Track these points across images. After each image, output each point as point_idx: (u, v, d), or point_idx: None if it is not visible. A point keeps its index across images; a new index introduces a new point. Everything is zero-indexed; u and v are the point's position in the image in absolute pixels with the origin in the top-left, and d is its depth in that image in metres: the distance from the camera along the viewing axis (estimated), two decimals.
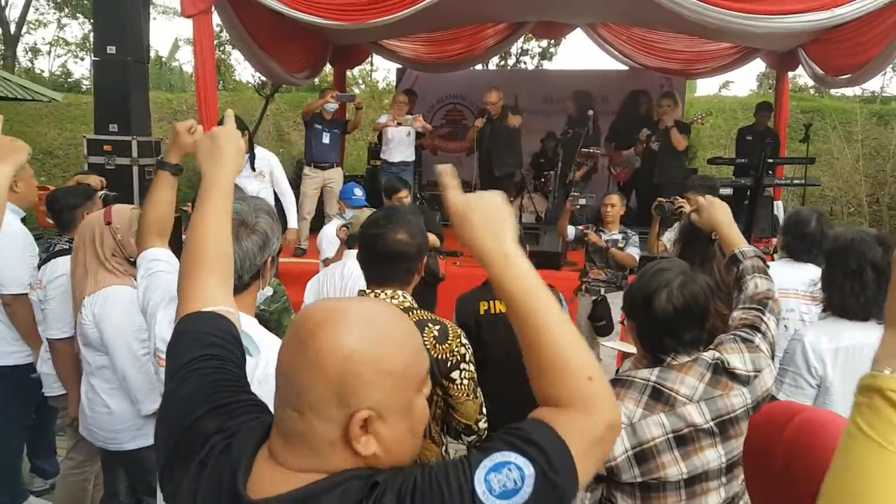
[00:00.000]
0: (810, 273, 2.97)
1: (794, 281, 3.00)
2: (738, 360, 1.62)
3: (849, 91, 16.35)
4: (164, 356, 1.86)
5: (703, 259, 2.49)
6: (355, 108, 6.99)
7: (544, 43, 16.67)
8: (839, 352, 2.13)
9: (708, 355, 1.63)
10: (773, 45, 8.22)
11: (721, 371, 1.60)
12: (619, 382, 1.63)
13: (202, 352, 1.07)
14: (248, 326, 1.53)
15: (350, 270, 3.22)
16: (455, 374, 1.93)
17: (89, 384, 2.68)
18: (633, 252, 4.77)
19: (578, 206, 5.32)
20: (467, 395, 1.95)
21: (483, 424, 2.00)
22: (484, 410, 2.01)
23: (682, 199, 4.20)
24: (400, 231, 1.95)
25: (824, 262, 2.31)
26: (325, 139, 6.74)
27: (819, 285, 2.96)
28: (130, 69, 5.58)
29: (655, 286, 1.63)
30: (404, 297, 1.97)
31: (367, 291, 1.99)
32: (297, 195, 6.22)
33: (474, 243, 1.00)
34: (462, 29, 9.31)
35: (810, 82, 17.70)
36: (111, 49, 5.52)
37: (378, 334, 0.86)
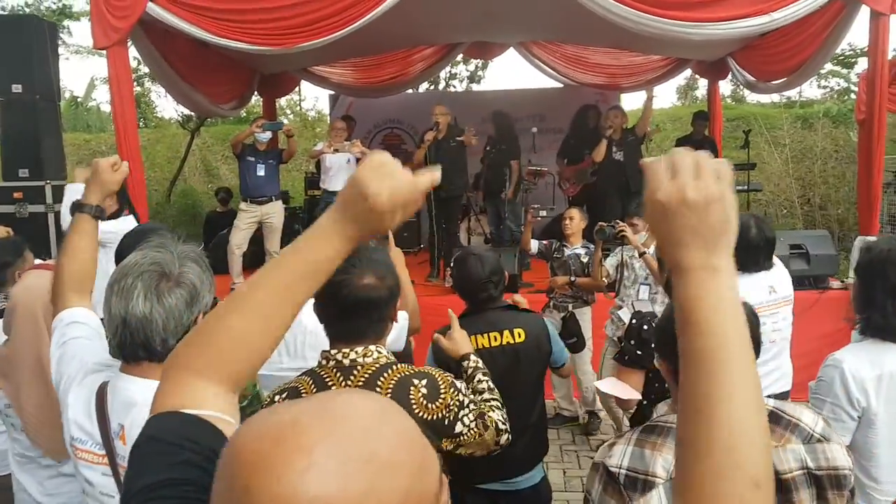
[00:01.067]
0: (765, 280, 2.85)
1: (757, 293, 2.83)
2: (807, 416, 1.38)
3: (766, 98, 17.02)
4: (80, 445, 1.53)
5: None
6: (286, 136, 6.64)
7: (472, 66, 16.78)
8: (883, 379, 1.91)
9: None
10: (704, 55, 8.35)
11: (777, 419, 1.35)
12: (655, 430, 1.35)
13: (167, 475, 0.77)
14: None
15: (301, 326, 2.32)
16: (459, 427, 1.65)
17: None
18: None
19: (539, 218, 5.25)
20: (479, 434, 1.70)
21: (504, 439, 1.78)
22: (501, 426, 1.78)
23: (622, 223, 4.15)
24: (366, 274, 1.59)
25: (857, 277, 2.12)
26: (260, 171, 6.37)
27: (780, 293, 2.87)
28: (40, 109, 5.16)
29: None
30: (379, 353, 1.64)
31: (332, 352, 1.64)
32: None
33: (678, 242, 0.74)
34: (394, 53, 9.13)
35: (727, 91, 18.41)
36: (17, 88, 5.07)
37: (358, 468, 0.53)
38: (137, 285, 1.31)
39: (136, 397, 1.33)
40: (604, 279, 4.43)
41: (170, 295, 1.33)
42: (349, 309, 1.59)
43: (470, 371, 2.01)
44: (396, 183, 0.92)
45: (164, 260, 1.35)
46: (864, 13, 5.40)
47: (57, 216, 4.93)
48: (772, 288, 2.84)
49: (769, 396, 2.72)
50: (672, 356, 1.41)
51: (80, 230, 1.61)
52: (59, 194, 5.05)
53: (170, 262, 1.36)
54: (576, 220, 4.83)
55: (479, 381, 1.96)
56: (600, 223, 4.30)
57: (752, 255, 2.82)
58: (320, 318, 1.65)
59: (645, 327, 2.19)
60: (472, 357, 2.06)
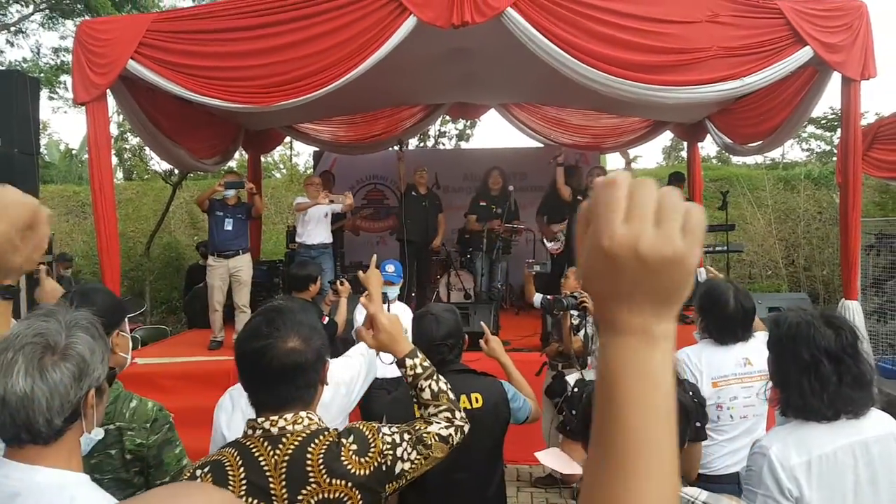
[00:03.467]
0: (740, 352, 2.77)
1: (729, 365, 2.76)
2: None
3: (750, 160, 17.32)
4: None
5: None
6: (249, 193, 6.64)
7: (461, 125, 17.10)
8: (812, 464, 1.78)
9: None
10: (681, 118, 8.49)
11: None
12: None
13: None
14: (71, 487, 1.14)
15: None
16: (400, 467, 1.59)
17: None
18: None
19: (534, 272, 5.16)
20: (425, 458, 1.64)
21: (458, 438, 1.73)
22: (445, 433, 1.70)
23: (585, 293, 4.03)
24: (290, 337, 1.53)
25: (770, 353, 1.99)
26: (228, 225, 6.35)
27: (755, 366, 2.79)
28: (16, 161, 5.14)
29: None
30: (310, 419, 1.56)
31: (259, 421, 1.55)
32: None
33: (615, 304, 0.60)
34: (379, 111, 9.27)
35: (713, 152, 18.74)
36: None
37: None
38: (18, 360, 1.20)
39: (19, 486, 1.21)
40: (577, 349, 4.20)
41: (54, 370, 1.22)
42: (274, 376, 1.52)
43: (410, 380, 1.78)
44: None
45: (48, 330, 1.24)
46: (837, 79, 5.53)
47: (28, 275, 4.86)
48: (746, 360, 2.75)
49: (736, 473, 2.64)
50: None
51: None
52: None
53: (56, 332, 1.25)
54: (570, 280, 4.70)
55: (423, 390, 1.77)
56: (564, 292, 4.20)
57: (729, 328, 2.76)
58: (244, 385, 1.58)
59: (586, 396, 2.13)
60: (410, 360, 1.79)
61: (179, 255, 12.51)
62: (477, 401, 2.45)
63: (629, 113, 8.74)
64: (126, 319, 2.36)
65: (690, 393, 2.25)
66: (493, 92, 8.76)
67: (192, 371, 5.52)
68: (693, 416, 2.17)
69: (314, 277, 4.55)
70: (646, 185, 0.59)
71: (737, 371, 2.75)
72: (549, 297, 4.86)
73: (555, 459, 1.89)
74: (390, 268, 4.60)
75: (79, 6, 13.64)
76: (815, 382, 1.80)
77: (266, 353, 1.51)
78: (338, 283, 4.76)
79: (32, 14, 15.84)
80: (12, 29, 16.02)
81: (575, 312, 4.00)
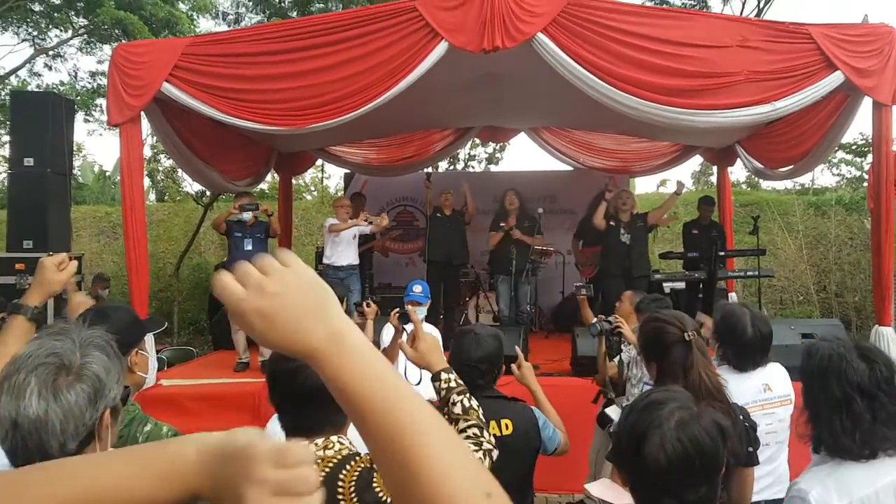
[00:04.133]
0: (759, 378, 2.68)
1: (749, 392, 2.65)
2: None
3: (779, 185, 17.11)
4: None
5: (685, 370, 2.16)
6: (266, 215, 6.69)
7: (490, 148, 17.17)
8: None
9: None
10: (711, 142, 8.42)
11: None
12: None
13: None
14: None
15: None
16: None
17: None
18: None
19: (583, 296, 5.07)
20: None
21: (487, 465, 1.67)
22: (478, 452, 1.70)
23: (621, 318, 3.91)
24: None
25: (802, 384, 1.90)
26: (248, 245, 6.40)
27: (776, 391, 2.70)
28: (49, 181, 5.28)
29: (644, 427, 1.27)
30: (341, 443, 1.54)
31: None
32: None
33: (294, 339, 0.70)
34: (410, 134, 9.34)
35: (742, 177, 18.55)
36: (29, 161, 5.19)
37: None
38: (31, 381, 1.14)
39: None
40: (613, 376, 3.99)
41: (69, 391, 1.16)
42: (306, 398, 1.50)
43: (443, 394, 1.79)
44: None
45: (62, 349, 1.19)
46: (867, 103, 5.45)
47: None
48: (766, 386, 2.68)
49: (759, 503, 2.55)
50: (622, 465, 1.37)
51: (12, 334, 1.46)
52: None
53: (70, 351, 1.20)
54: (624, 304, 4.48)
55: (454, 404, 1.76)
56: (599, 315, 4.10)
57: (748, 354, 2.68)
58: (275, 407, 1.56)
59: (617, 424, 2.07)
60: (445, 375, 1.82)
61: (209, 276, 12.63)
62: (507, 427, 2.41)
63: (659, 137, 8.69)
64: (150, 337, 2.33)
65: (741, 416, 2.19)
66: (522, 116, 8.79)
67: (218, 393, 5.51)
68: (745, 440, 2.11)
69: (340, 298, 4.55)
70: (239, 266, 0.74)
71: (757, 398, 2.66)
72: (606, 320, 4.68)
73: (606, 490, 1.82)
74: (417, 288, 4.58)
75: (116, 31, 13.99)
76: (847, 420, 1.70)
77: (298, 375, 1.49)
78: (364, 304, 4.75)
79: (71, 39, 16.32)
80: (51, 53, 16.52)
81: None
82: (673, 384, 2.13)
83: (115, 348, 1.28)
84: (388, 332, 4.14)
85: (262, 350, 6.29)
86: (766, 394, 2.67)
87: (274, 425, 2.37)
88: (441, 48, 5.18)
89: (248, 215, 6.45)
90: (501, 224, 7.27)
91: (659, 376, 2.25)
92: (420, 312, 4.48)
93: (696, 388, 2.06)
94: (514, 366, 2.73)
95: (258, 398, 5.26)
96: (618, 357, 3.95)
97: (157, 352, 6.51)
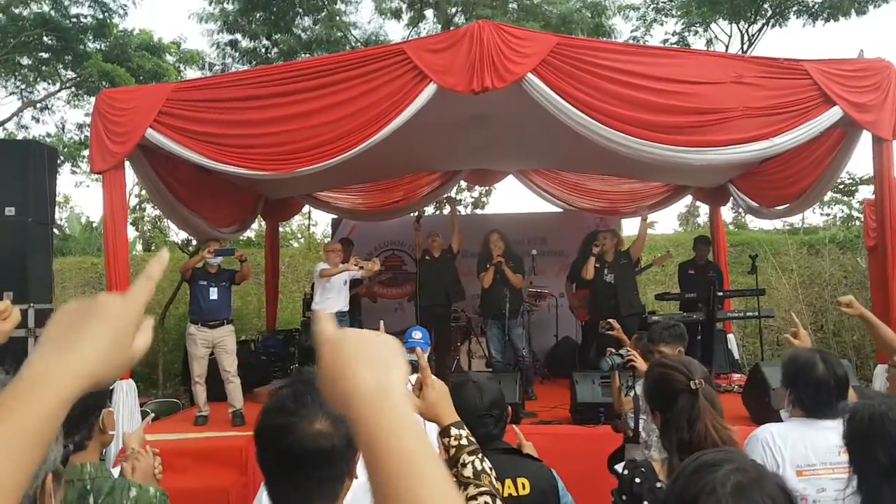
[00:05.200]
0: (834, 437, 2.26)
1: (819, 451, 2.36)
2: None
3: (768, 225, 17.16)
4: None
5: (690, 421, 1.98)
6: (239, 261, 6.52)
7: (476, 193, 17.17)
8: None
9: None
10: (703, 182, 8.37)
11: None
12: None
13: None
14: None
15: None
16: None
17: None
18: None
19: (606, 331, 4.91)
20: None
21: None
22: None
23: (633, 351, 3.79)
24: (318, 417, 1.29)
25: (847, 449, 1.75)
26: (213, 294, 6.20)
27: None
28: (30, 231, 5.08)
29: (695, 493, 1.09)
30: None
31: None
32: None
33: (345, 373, 0.74)
34: (397, 179, 9.25)
35: (728, 218, 18.62)
36: (10, 210, 5.02)
37: None
38: None
39: None
40: (628, 411, 3.91)
41: None
42: (295, 462, 1.29)
43: (452, 452, 1.59)
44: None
45: None
46: (865, 140, 5.40)
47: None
48: (841, 448, 2.39)
49: None
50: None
51: None
52: (42, 318, 4.87)
53: None
54: (666, 353, 4.36)
55: (465, 465, 1.56)
56: (609, 349, 3.95)
57: (822, 395, 2.41)
58: (262, 469, 1.35)
59: (637, 480, 1.88)
60: (455, 430, 1.61)
61: None
62: (524, 487, 2.19)
63: (650, 177, 8.64)
64: (132, 394, 2.18)
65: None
66: (511, 159, 8.73)
67: (204, 448, 5.26)
68: None
69: None
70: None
71: (829, 460, 2.36)
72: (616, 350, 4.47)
73: None
74: (417, 334, 4.41)
75: (104, 83, 14.00)
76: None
77: (288, 433, 1.28)
78: None
79: (59, 91, 16.35)
80: (38, 106, 16.51)
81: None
82: (678, 436, 1.96)
83: None
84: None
85: (230, 400, 6.07)
86: (840, 457, 2.31)
87: (263, 496, 2.16)
88: (430, 90, 5.11)
89: (219, 259, 6.29)
90: (489, 266, 7.10)
91: (664, 427, 2.06)
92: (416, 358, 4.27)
93: (703, 440, 1.90)
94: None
95: (246, 453, 5.02)
96: (633, 392, 3.78)
97: (142, 405, 6.24)
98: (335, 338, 0.79)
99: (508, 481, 2.16)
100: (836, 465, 2.31)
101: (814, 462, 2.35)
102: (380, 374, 0.73)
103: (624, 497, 1.96)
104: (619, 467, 2.85)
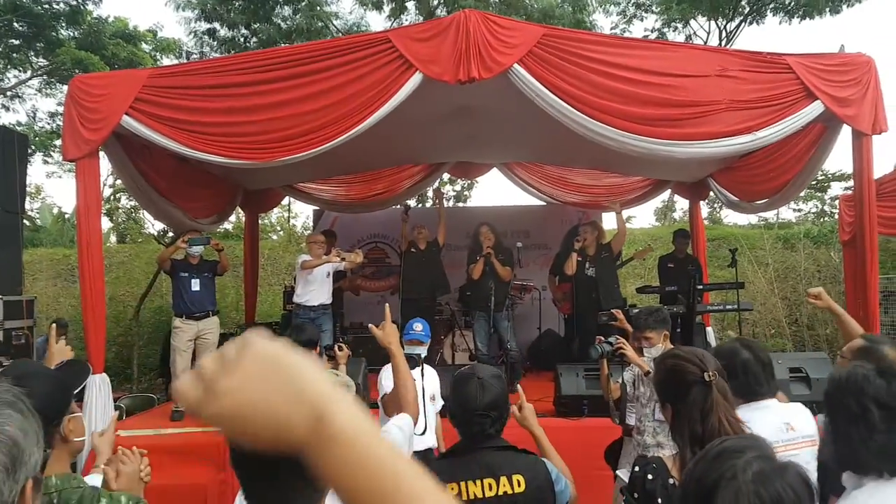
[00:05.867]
0: (780, 416, 2.48)
1: (769, 431, 2.34)
2: None
3: (743, 219, 17.34)
4: None
5: (703, 414, 1.95)
6: (215, 250, 6.41)
7: (458, 186, 17.12)
8: None
9: None
10: (683, 176, 8.41)
11: None
12: None
13: None
14: None
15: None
16: None
17: None
18: None
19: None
20: None
21: None
22: None
23: (622, 339, 3.80)
24: None
25: (825, 408, 1.85)
26: (196, 286, 6.13)
27: (798, 430, 2.53)
28: (1, 220, 4.91)
29: (715, 478, 1.07)
30: None
31: None
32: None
33: (275, 436, 0.61)
34: (381, 171, 9.17)
35: (704, 213, 18.80)
36: None
37: None
38: None
39: None
40: (614, 395, 3.86)
41: None
42: (272, 466, 1.22)
43: None
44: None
45: None
46: (844, 136, 5.44)
47: (6, 334, 4.57)
48: (788, 425, 2.50)
49: None
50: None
51: None
52: (11, 310, 4.73)
53: None
54: (652, 339, 4.30)
55: None
56: (598, 336, 3.96)
57: (752, 378, 2.50)
58: (235, 470, 1.26)
59: (650, 476, 1.85)
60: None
61: (171, 319, 12.17)
62: (519, 484, 2.15)
63: (633, 171, 8.66)
64: (106, 384, 2.08)
65: None
66: (495, 151, 8.70)
67: (180, 444, 5.14)
68: None
69: (314, 342, 4.25)
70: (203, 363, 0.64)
71: (780, 437, 2.44)
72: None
73: None
74: (418, 326, 4.26)
75: (77, 71, 13.69)
76: (864, 430, 1.68)
77: None
78: (335, 348, 4.49)
79: (30, 79, 15.96)
80: (8, 94, 16.10)
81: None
82: (690, 428, 1.94)
83: (27, 403, 0.99)
84: (388, 376, 3.70)
85: None
86: (788, 433, 2.47)
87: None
88: (415, 80, 5.03)
89: (197, 249, 6.17)
90: (478, 258, 7.06)
91: (674, 420, 2.04)
92: (420, 351, 4.20)
93: (716, 434, 1.88)
94: (514, 407, 2.48)
95: (223, 450, 4.92)
96: (621, 379, 3.79)
97: (116, 399, 6.10)
98: (214, 411, 0.62)
99: (504, 479, 2.14)
100: (788, 443, 2.43)
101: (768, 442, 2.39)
102: (302, 404, 0.61)
103: (636, 495, 1.93)
104: (621, 472, 2.82)
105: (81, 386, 2.72)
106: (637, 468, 1.90)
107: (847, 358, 2.66)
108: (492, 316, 6.74)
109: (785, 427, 2.48)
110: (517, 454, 2.26)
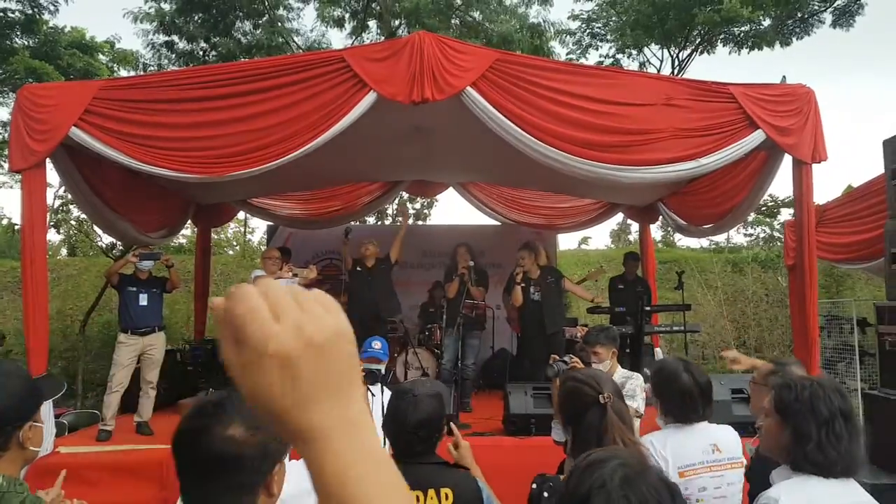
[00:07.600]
0: (705, 438, 2.59)
1: (695, 452, 2.56)
2: None
3: (695, 243, 17.79)
4: None
5: (598, 435, 2.01)
6: (165, 266, 6.35)
7: (418, 204, 17.18)
8: None
9: None
10: (634, 200, 8.61)
11: None
12: None
13: None
14: None
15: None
16: None
17: None
18: (633, 405, 3.87)
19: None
20: None
21: None
22: None
23: (577, 357, 3.88)
24: (233, 423, 1.25)
25: (786, 412, 1.96)
26: (143, 301, 6.05)
27: (725, 453, 2.60)
28: None
29: (587, 488, 1.16)
30: None
31: None
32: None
33: (304, 409, 0.56)
34: (338, 188, 9.18)
35: (658, 236, 19.25)
36: None
37: None
38: None
39: None
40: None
41: None
42: (203, 466, 1.24)
43: None
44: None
45: None
46: (786, 164, 5.64)
47: None
48: (714, 447, 2.59)
49: None
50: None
51: None
52: None
53: None
54: (601, 354, 4.25)
55: None
56: (553, 356, 4.00)
57: (688, 403, 2.61)
58: (178, 475, 1.29)
59: (546, 494, 1.91)
60: None
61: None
62: (447, 497, 2.18)
63: (584, 194, 8.84)
64: (47, 406, 2.05)
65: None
66: (451, 171, 8.79)
67: (120, 462, 5.04)
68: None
69: None
70: (270, 283, 0.60)
71: (705, 459, 2.57)
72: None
73: None
74: (376, 344, 4.31)
75: (31, 81, 13.40)
76: (833, 436, 1.85)
77: (201, 436, 1.24)
78: None
79: None
80: None
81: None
82: (586, 449, 2.00)
83: None
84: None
85: (139, 410, 5.88)
86: (714, 455, 2.56)
87: None
88: (369, 99, 5.08)
89: (147, 264, 6.09)
90: (454, 277, 7.17)
91: (574, 441, 2.11)
92: (379, 368, 4.21)
93: None
94: (450, 444, 2.49)
95: (165, 467, 4.83)
96: None
97: (58, 416, 5.95)
98: (289, 351, 0.55)
99: (431, 492, 2.15)
100: (713, 464, 2.56)
101: (693, 462, 2.54)
102: (344, 407, 0.57)
103: None
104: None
105: (52, 399, 2.67)
106: (535, 486, 1.96)
107: (759, 382, 2.77)
108: (461, 333, 6.86)
109: (711, 448, 2.58)
110: (447, 469, 2.29)
